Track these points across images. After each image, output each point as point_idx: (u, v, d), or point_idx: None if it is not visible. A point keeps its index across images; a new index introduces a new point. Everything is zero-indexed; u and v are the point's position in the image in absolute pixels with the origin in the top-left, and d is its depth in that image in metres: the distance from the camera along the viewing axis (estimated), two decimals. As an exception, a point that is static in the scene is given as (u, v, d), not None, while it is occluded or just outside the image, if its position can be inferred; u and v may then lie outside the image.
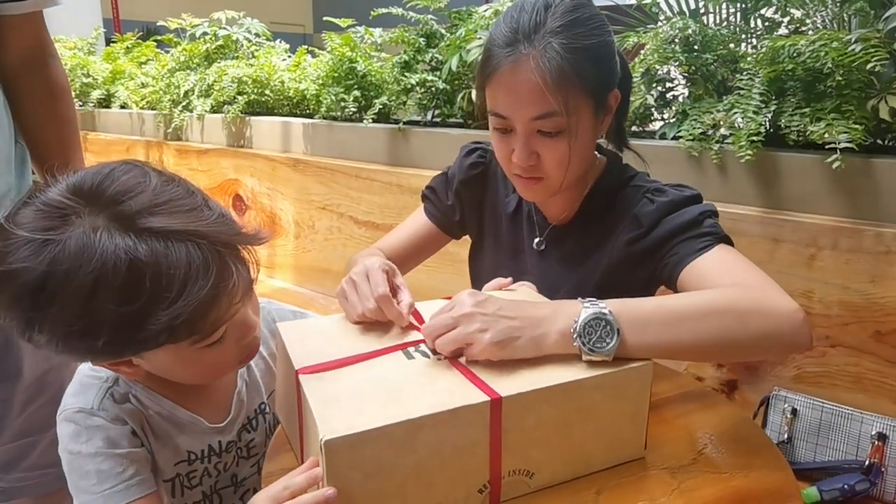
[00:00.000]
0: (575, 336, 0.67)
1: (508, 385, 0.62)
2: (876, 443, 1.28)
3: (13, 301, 0.62)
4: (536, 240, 1.04)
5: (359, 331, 0.77)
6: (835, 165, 1.31)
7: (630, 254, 0.92)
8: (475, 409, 0.59)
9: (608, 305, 0.69)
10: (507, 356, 0.67)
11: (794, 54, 1.43)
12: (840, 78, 1.37)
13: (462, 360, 0.69)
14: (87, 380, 0.79)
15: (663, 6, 1.89)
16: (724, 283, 0.80)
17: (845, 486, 1.25)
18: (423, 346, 0.72)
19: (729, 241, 0.88)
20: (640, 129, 1.87)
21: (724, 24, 1.81)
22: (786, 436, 1.36)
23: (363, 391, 0.61)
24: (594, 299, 0.71)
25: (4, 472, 1.10)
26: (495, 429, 0.61)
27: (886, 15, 1.32)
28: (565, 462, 0.67)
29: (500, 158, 0.93)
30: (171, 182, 0.67)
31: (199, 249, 0.63)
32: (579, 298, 0.71)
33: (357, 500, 0.57)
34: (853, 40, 1.33)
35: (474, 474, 0.62)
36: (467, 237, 1.17)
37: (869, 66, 1.29)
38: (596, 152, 1.01)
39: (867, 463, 1.27)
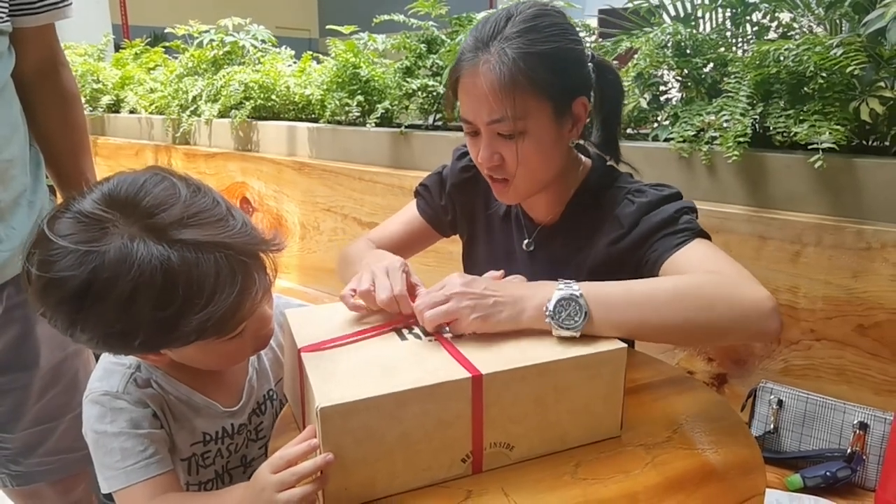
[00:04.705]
0: (547, 313, 0.74)
1: (490, 364, 0.68)
2: (858, 432, 1.32)
3: (58, 304, 0.68)
4: (525, 241, 1.07)
5: (357, 316, 0.83)
6: (817, 165, 1.36)
7: (613, 254, 0.96)
8: (457, 385, 0.65)
9: (581, 287, 0.75)
10: (489, 329, 0.74)
11: (779, 58, 1.48)
12: (822, 81, 1.42)
13: (448, 335, 0.76)
14: (111, 366, 0.85)
15: (667, 9, 1.94)
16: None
17: (828, 474, 1.29)
18: (415, 329, 0.78)
19: (706, 236, 0.92)
20: (635, 131, 1.92)
21: (719, 28, 1.86)
22: (772, 426, 1.41)
23: (358, 367, 0.68)
24: (569, 281, 0.77)
25: (23, 456, 1.16)
26: (476, 404, 0.67)
27: (866, 20, 1.37)
28: (543, 437, 0.73)
29: (473, 160, 0.98)
30: (199, 192, 0.73)
31: (226, 260, 0.69)
32: (558, 279, 0.77)
33: (349, 464, 0.63)
34: (835, 45, 1.38)
35: (457, 445, 0.68)
36: (457, 236, 1.21)
37: (849, 69, 1.34)
38: (580, 155, 1.05)
39: (849, 451, 1.31)
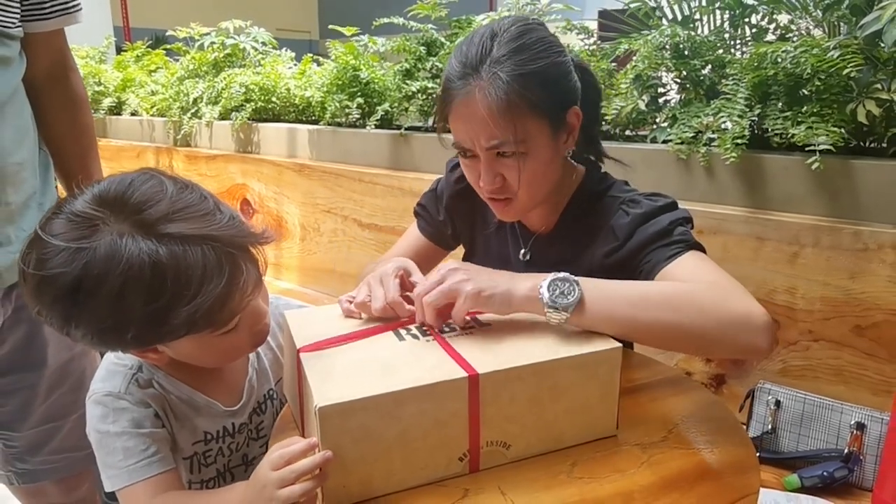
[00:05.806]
0: (540, 289, 0.75)
1: (487, 363, 0.69)
2: (855, 432, 1.33)
3: (53, 302, 0.70)
4: (521, 251, 1.08)
5: (356, 318, 0.84)
6: (814, 167, 1.36)
7: (607, 265, 0.96)
8: (454, 384, 0.66)
9: (577, 278, 0.77)
10: (484, 305, 0.75)
11: (777, 60, 1.49)
12: (820, 83, 1.43)
13: (446, 335, 0.76)
14: (113, 367, 0.87)
15: (664, 11, 1.95)
16: None
17: (825, 474, 1.30)
18: (413, 328, 0.79)
19: (700, 248, 0.91)
20: (634, 133, 1.93)
21: (717, 30, 1.86)
22: (770, 426, 1.42)
23: (356, 367, 0.69)
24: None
25: (30, 455, 1.18)
26: (473, 403, 0.67)
27: (863, 22, 1.38)
28: (539, 436, 0.74)
29: (471, 184, 0.98)
30: (186, 189, 0.75)
31: (213, 251, 0.71)
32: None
33: (347, 463, 0.64)
34: (832, 47, 1.39)
35: (454, 443, 0.69)
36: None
37: (846, 71, 1.35)
38: (573, 161, 1.04)
39: (846, 451, 1.32)
